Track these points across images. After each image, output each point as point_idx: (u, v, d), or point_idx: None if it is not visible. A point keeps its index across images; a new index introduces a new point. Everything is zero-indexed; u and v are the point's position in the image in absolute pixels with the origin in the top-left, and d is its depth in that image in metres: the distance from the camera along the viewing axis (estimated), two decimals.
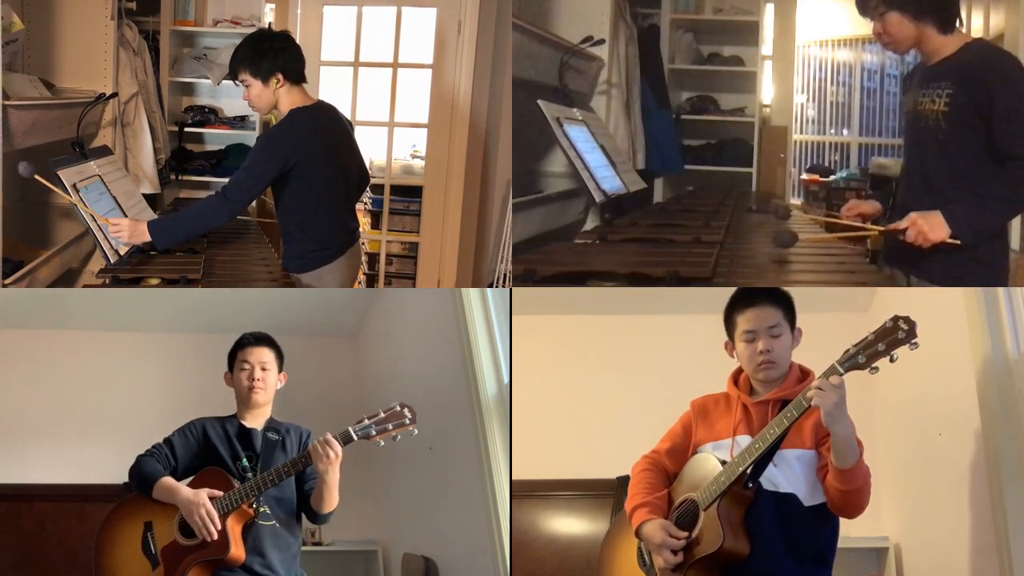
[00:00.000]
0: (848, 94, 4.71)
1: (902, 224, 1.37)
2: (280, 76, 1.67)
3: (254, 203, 2.95)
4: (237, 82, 1.71)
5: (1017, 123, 1.34)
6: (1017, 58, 1.46)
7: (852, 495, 1.11)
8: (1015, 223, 2.32)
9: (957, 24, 1.42)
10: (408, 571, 1.86)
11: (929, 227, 1.34)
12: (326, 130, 1.73)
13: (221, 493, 1.27)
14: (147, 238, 1.66)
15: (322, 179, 1.70)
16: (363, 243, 2.85)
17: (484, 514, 1.55)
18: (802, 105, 4.69)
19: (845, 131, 4.75)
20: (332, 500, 1.30)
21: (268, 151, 1.67)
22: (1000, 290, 1.47)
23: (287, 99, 1.70)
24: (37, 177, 1.67)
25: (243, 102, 3.10)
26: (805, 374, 1.22)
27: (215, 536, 1.24)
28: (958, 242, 1.35)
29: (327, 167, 1.71)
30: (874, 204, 1.63)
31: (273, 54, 1.67)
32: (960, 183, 1.40)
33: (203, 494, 1.26)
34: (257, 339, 1.41)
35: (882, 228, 1.41)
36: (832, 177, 4.30)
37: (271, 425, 1.38)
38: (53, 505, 1.78)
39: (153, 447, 1.35)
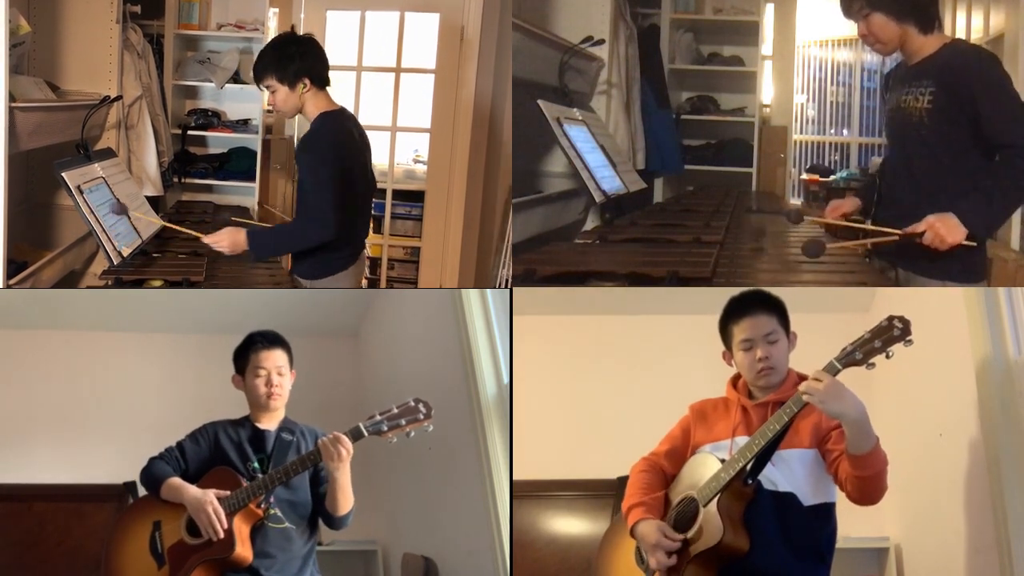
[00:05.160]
0: (848, 94, 4.70)
1: (919, 227, 1.37)
2: (307, 80, 1.66)
3: (256, 207, 2.99)
4: (262, 87, 1.69)
5: (1002, 114, 1.37)
6: (995, 55, 1.50)
7: (870, 480, 1.11)
8: (1015, 223, 2.33)
9: (936, 25, 1.47)
10: (408, 571, 1.86)
11: (947, 230, 1.34)
12: (353, 136, 1.73)
13: (228, 493, 1.26)
14: (244, 246, 1.66)
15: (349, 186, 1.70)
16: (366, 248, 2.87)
17: (484, 514, 1.55)
18: (802, 105, 4.69)
19: (845, 131, 4.74)
20: (346, 501, 1.28)
21: (325, 161, 1.64)
22: (1000, 290, 1.47)
23: (313, 103, 1.68)
24: (133, 213, 1.77)
25: (246, 106, 3.16)
26: (803, 379, 1.21)
27: (220, 534, 1.23)
28: (974, 244, 1.36)
29: (354, 174, 1.71)
30: (854, 201, 1.68)
31: (300, 58, 1.66)
32: (942, 176, 1.45)
33: (210, 493, 1.26)
34: (270, 341, 1.36)
35: (900, 232, 1.39)
36: (832, 177, 4.30)
37: (286, 426, 1.36)
38: (53, 505, 1.78)
39: (164, 450, 1.35)
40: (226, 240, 1.66)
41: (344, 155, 1.67)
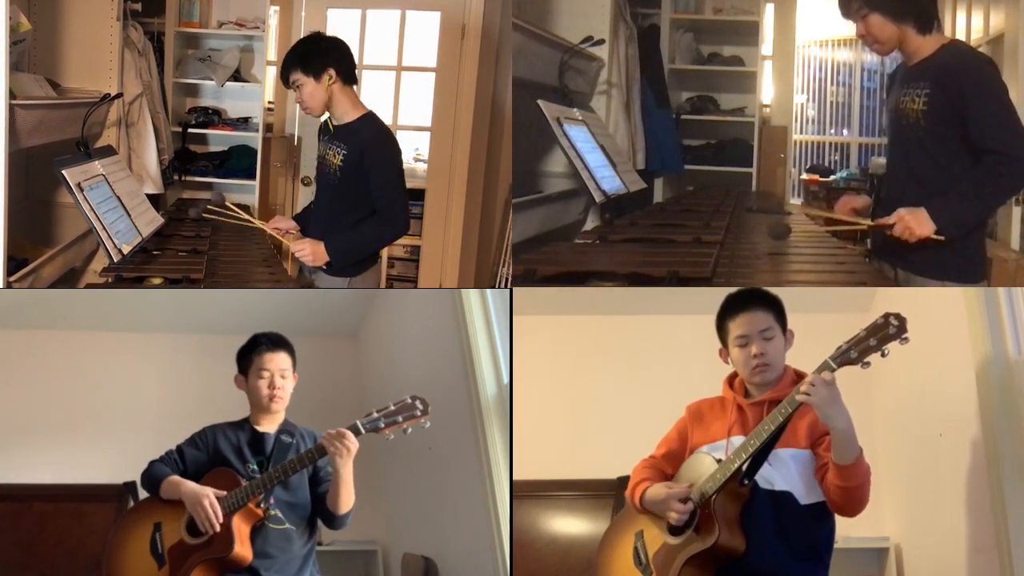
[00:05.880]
0: (848, 94, 4.72)
1: (889, 220, 1.42)
2: (332, 72, 1.69)
3: (257, 204, 2.99)
4: (290, 85, 1.73)
5: (990, 119, 1.38)
6: (991, 59, 1.52)
7: (853, 492, 1.12)
8: (1015, 223, 2.33)
9: (935, 26, 1.48)
10: (408, 571, 1.86)
11: (916, 223, 1.39)
12: None
13: (225, 493, 1.26)
14: (326, 258, 1.72)
15: None
16: None
17: (484, 514, 1.55)
18: (802, 105, 4.69)
19: (845, 131, 4.76)
20: (348, 498, 1.28)
21: (396, 159, 1.73)
22: (1000, 290, 1.48)
23: (347, 100, 1.73)
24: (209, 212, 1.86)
25: (246, 104, 3.15)
26: (800, 377, 1.22)
27: (217, 528, 1.24)
28: (942, 238, 1.39)
29: None
30: (865, 199, 1.71)
31: (323, 52, 1.71)
32: (941, 177, 1.46)
33: (208, 488, 1.26)
34: (275, 343, 1.37)
35: (871, 224, 1.45)
36: (832, 177, 4.31)
37: (285, 428, 1.37)
38: (53, 505, 1.79)
39: (164, 453, 1.35)
40: (308, 249, 1.72)
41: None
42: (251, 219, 1.92)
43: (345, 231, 1.74)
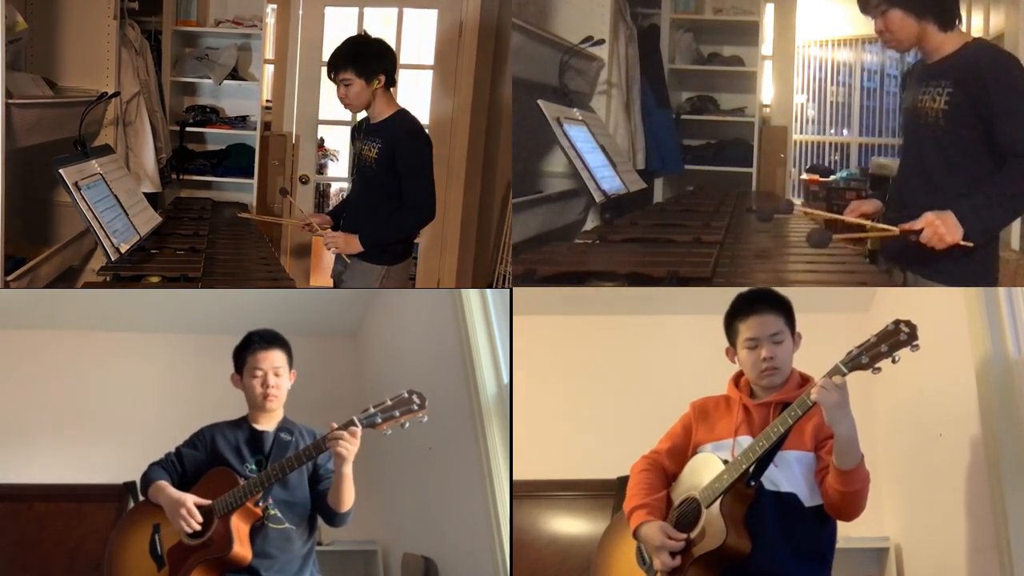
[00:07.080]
0: (848, 94, 4.72)
1: (918, 224, 1.35)
2: (382, 77, 1.81)
3: (255, 201, 2.98)
4: (337, 80, 1.81)
5: (1017, 121, 1.35)
6: (1016, 58, 1.47)
7: (851, 497, 1.12)
8: (1015, 223, 2.33)
9: (957, 23, 1.43)
10: (408, 571, 1.86)
11: (946, 228, 1.32)
12: None
13: (209, 502, 1.26)
14: (359, 248, 1.84)
15: None
16: None
17: (484, 514, 1.55)
18: (802, 105, 4.69)
19: (845, 131, 4.76)
20: (349, 496, 1.28)
21: (428, 151, 1.84)
22: (1000, 290, 1.47)
23: (385, 100, 1.84)
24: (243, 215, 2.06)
25: (244, 102, 3.15)
26: (805, 379, 1.23)
27: (196, 526, 1.23)
28: (971, 244, 1.34)
29: None
30: (874, 203, 1.65)
31: (379, 56, 1.82)
32: (954, 179, 1.42)
33: (187, 495, 1.26)
34: (268, 341, 1.36)
35: (899, 229, 1.37)
36: (832, 177, 4.31)
37: (284, 426, 1.36)
38: (53, 505, 1.79)
39: (164, 456, 1.35)
40: (340, 240, 1.85)
41: None
42: (284, 218, 2.02)
43: (378, 222, 1.85)
